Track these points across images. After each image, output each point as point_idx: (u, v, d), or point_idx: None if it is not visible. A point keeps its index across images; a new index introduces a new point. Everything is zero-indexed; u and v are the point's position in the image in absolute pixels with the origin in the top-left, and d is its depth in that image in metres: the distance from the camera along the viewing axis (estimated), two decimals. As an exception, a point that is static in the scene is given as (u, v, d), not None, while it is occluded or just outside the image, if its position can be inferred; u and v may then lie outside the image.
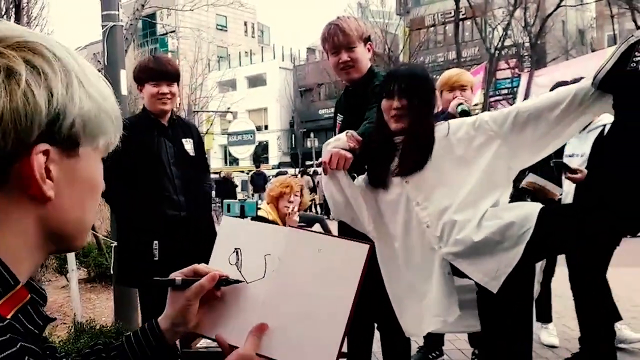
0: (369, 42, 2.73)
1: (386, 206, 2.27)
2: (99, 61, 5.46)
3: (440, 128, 2.21)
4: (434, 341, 3.61)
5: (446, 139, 2.17)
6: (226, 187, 18.27)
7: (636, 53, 1.81)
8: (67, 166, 0.65)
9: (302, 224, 5.67)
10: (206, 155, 3.32)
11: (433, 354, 3.62)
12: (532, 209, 2.06)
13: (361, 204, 2.33)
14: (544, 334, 3.98)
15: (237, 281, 0.99)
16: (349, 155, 2.25)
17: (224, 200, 4.77)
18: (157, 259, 2.79)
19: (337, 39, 2.63)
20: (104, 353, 0.90)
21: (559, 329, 4.24)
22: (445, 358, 3.67)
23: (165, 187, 2.86)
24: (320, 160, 2.42)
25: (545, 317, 4.01)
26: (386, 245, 2.30)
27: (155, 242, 2.80)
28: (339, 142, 2.31)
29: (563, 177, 3.33)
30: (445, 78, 3.46)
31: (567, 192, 3.32)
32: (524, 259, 2.00)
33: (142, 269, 2.77)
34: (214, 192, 16.81)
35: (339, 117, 2.90)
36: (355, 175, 2.41)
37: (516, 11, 22.26)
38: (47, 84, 0.61)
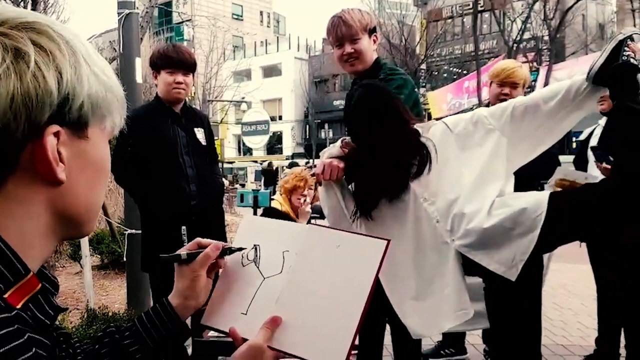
0: (374, 34, 2.69)
1: (393, 208, 2.23)
2: (114, 49, 5.46)
3: (437, 126, 2.23)
4: (453, 338, 3.57)
5: (448, 134, 2.18)
6: (270, 175, 18.19)
7: (625, 48, 1.96)
8: (77, 148, 0.64)
9: (315, 215, 5.67)
10: (215, 146, 3.32)
11: (447, 351, 3.59)
12: (542, 195, 2.07)
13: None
14: None
15: (240, 249, 1.02)
16: (342, 165, 2.25)
17: (238, 190, 4.77)
18: (186, 244, 2.80)
19: (340, 31, 2.59)
20: (117, 335, 0.90)
21: (574, 326, 4.20)
22: (467, 357, 3.63)
23: (177, 175, 2.86)
24: (313, 171, 2.42)
25: None
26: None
27: (184, 227, 2.83)
28: (334, 150, 2.32)
29: (590, 167, 3.28)
30: (498, 70, 3.21)
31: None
32: (535, 248, 1.98)
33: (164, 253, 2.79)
34: (262, 181, 16.87)
35: None
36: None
37: (536, 4, 21.98)
38: (56, 64, 0.60)
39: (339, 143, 2.34)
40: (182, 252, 0.97)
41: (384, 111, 2.20)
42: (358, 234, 1.10)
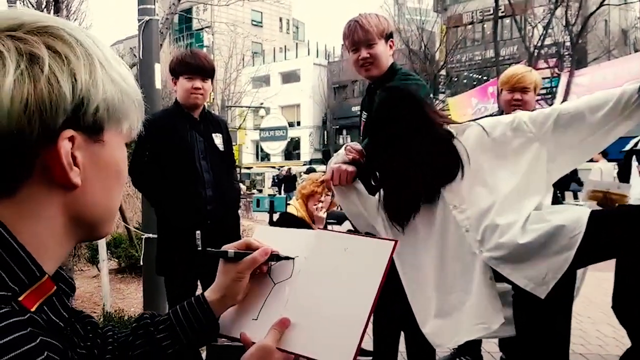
0: (391, 39, 2.69)
1: (420, 214, 2.17)
2: (135, 55, 5.54)
3: (472, 129, 2.13)
4: (469, 345, 3.52)
5: (483, 138, 2.08)
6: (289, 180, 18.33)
7: None
8: (93, 152, 0.65)
9: (332, 221, 5.65)
10: (233, 152, 3.33)
11: (463, 358, 3.54)
12: (582, 211, 1.98)
13: (375, 216, 2.28)
14: None
15: (288, 257, 1.01)
16: (350, 168, 2.23)
17: (254, 196, 4.79)
18: (200, 248, 2.83)
19: (356, 35, 2.60)
20: (151, 327, 0.91)
21: (593, 334, 4.13)
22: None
23: (194, 181, 2.88)
24: (322, 178, 2.42)
25: None
26: (409, 253, 2.21)
27: (198, 232, 2.85)
28: (339, 157, 2.30)
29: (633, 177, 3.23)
30: (507, 76, 3.14)
31: None
32: (570, 266, 1.91)
33: (183, 259, 2.83)
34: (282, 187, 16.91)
35: (364, 115, 2.88)
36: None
37: (557, 10, 21.73)
38: (71, 69, 0.60)
39: (342, 150, 2.33)
40: (230, 249, 0.97)
41: (409, 114, 2.13)
42: (366, 236, 1.10)
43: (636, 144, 3.54)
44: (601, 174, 8.79)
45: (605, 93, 1.97)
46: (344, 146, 2.34)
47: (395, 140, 2.13)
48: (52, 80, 0.58)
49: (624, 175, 3.52)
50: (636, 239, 1.92)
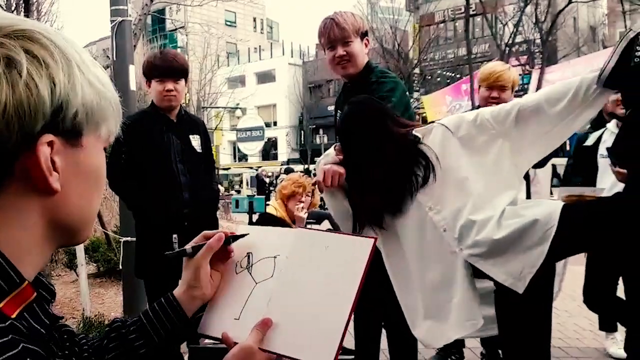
0: (366, 37, 2.70)
1: (396, 218, 2.20)
2: (108, 57, 5.47)
3: (437, 130, 2.16)
4: (453, 343, 3.54)
5: (449, 138, 2.12)
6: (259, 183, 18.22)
7: (637, 47, 1.81)
8: (72, 157, 0.64)
9: (312, 220, 5.66)
10: (212, 152, 3.31)
11: (453, 357, 3.55)
12: (555, 205, 2.00)
13: None
14: (613, 345, 3.69)
15: (243, 235, 1.03)
16: (342, 170, 2.22)
17: (233, 196, 4.78)
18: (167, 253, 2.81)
19: (332, 33, 2.59)
20: (123, 329, 0.90)
21: (571, 327, 4.21)
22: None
23: (170, 184, 2.87)
24: (314, 179, 2.41)
25: (611, 325, 3.73)
26: (396, 256, 2.24)
27: (175, 235, 2.83)
28: (329, 158, 2.29)
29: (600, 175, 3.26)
30: (486, 74, 3.17)
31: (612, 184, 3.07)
32: (546, 258, 1.94)
33: (159, 261, 2.80)
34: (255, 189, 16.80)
35: (339, 114, 2.88)
36: None
37: (527, 7, 22.10)
38: (49, 73, 0.59)
39: (332, 150, 2.32)
40: (188, 246, 0.98)
41: (370, 129, 2.16)
42: (346, 234, 1.10)
43: (598, 140, 3.53)
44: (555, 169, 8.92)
45: (564, 84, 2.01)
46: (333, 146, 2.33)
47: (359, 153, 2.17)
48: (30, 84, 0.57)
49: (587, 171, 3.49)
50: (607, 231, 1.96)
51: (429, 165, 2.09)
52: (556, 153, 2.52)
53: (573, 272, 3.38)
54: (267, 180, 21.01)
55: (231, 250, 1.02)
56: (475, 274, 2.10)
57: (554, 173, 9.84)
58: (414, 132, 2.20)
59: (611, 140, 3.17)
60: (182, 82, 2.94)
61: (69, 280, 6.01)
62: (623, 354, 3.38)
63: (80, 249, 4.41)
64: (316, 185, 2.33)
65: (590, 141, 3.60)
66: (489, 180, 2.07)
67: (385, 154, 2.13)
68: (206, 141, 3.11)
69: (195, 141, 3.00)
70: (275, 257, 1.01)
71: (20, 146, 0.58)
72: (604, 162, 3.34)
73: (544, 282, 2.06)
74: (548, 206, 2.02)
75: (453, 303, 2.08)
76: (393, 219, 2.20)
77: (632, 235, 1.94)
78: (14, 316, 0.59)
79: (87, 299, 4.26)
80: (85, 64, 0.65)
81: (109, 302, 5.25)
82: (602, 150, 3.41)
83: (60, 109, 0.60)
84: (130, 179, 2.90)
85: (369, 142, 2.16)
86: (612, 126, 3.41)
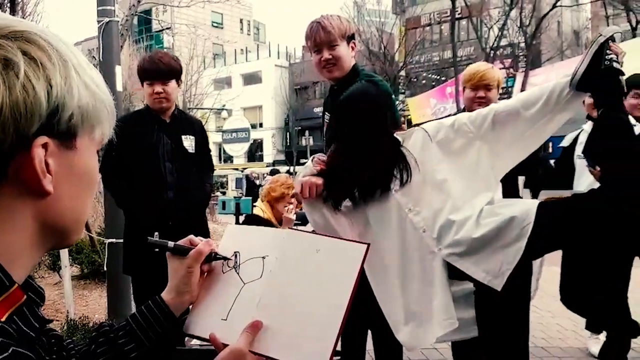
0: (353, 41, 2.70)
1: (376, 219, 2.22)
2: (94, 57, 5.43)
3: (418, 134, 2.21)
4: None
5: (429, 143, 2.17)
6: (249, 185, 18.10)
7: (607, 51, 1.87)
8: (65, 159, 0.64)
9: (297, 221, 5.65)
10: (208, 153, 3.31)
11: None
12: (531, 203, 2.06)
13: (344, 226, 2.30)
14: (595, 345, 3.68)
15: (225, 258, 1.03)
16: (319, 181, 2.24)
17: (219, 198, 4.77)
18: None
19: (318, 36, 2.60)
20: (111, 334, 0.90)
21: (554, 328, 4.25)
22: None
23: (156, 183, 2.88)
24: (293, 192, 2.43)
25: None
26: (377, 262, 2.23)
27: (156, 233, 2.82)
28: (307, 170, 2.32)
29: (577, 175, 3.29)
30: (470, 74, 3.11)
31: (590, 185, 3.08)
32: (523, 256, 1.98)
33: (144, 259, 2.80)
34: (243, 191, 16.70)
35: (327, 116, 2.89)
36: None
37: (512, 11, 22.28)
38: (46, 75, 0.59)
39: (309, 162, 2.35)
40: (171, 243, 0.98)
41: (374, 117, 2.18)
42: (338, 238, 1.10)
43: (574, 141, 3.56)
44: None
45: (539, 89, 2.08)
46: (311, 158, 2.36)
47: (351, 135, 2.19)
48: (27, 86, 0.57)
49: (565, 171, 3.52)
50: (582, 227, 2.01)
51: (407, 168, 2.13)
52: (540, 161, 2.56)
53: (555, 272, 3.43)
54: (258, 182, 20.97)
55: (211, 268, 1.03)
56: (454, 276, 2.13)
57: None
58: (396, 134, 2.24)
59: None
60: (172, 83, 2.95)
61: (52, 282, 5.95)
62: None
63: (64, 251, 4.37)
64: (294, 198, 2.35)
65: (566, 142, 3.66)
66: (467, 181, 2.12)
67: (379, 148, 2.16)
68: (203, 141, 3.12)
69: (188, 141, 3.02)
70: (264, 257, 1.00)
71: (15, 148, 0.58)
72: (580, 163, 3.39)
73: (521, 280, 2.10)
74: (524, 204, 2.09)
75: (434, 303, 2.11)
76: (375, 221, 2.21)
77: (601, 231, 2.00)
78: (3, 319, 0.58)
79: (71, 301, 4.22)
80: (82, 66, 0.65)
81: (92, 304, 5.21)
82: (578, 151, 3.46)
83: (56, 111, 0.60)
84: (120, 179, 2.93)
85: (366, 131, 2.17)
86: (587, 127, 3.45)
